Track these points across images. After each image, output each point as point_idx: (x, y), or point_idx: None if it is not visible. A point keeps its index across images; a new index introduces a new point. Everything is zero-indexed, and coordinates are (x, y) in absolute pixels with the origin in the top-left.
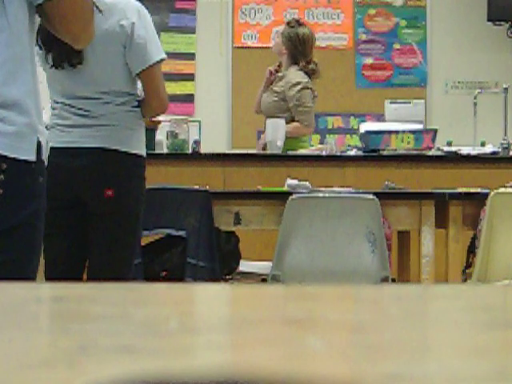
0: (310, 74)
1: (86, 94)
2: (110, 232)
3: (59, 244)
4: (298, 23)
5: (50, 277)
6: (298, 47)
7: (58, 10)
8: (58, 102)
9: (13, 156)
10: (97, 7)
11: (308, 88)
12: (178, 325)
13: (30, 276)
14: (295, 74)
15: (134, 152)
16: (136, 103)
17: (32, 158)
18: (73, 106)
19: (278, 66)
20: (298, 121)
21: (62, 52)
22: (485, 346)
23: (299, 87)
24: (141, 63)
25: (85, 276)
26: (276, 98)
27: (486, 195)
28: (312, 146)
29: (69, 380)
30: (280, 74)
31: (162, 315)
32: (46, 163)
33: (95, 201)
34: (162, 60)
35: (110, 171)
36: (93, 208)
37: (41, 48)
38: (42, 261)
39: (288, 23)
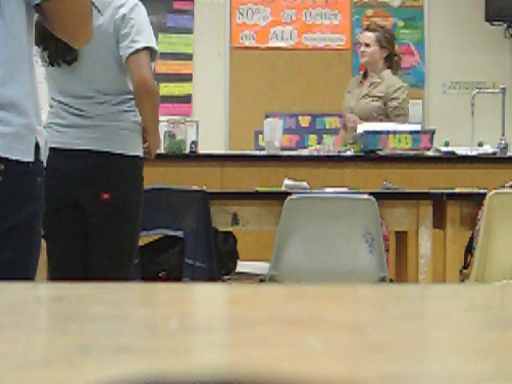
0: (396, 68)
1: (82, 93)
2: (108, 234)
3: (62, 246)
4: (376, 24)
5: (54, 279)
6: (394, 46)
7: (56, 9)
8: (55, 100)
9: (10, 157)
10: (95, 7)
11: (407, 93)
12: (177, 325)
13: (28, 276)
14: (394, 78)
15: (130, 154)
16: (132, 103)
17: (30, 158)
18: (69, 105)
19: (365, 73)
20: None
21: (57, 49)
22: (485, 346)
23: (406, 91)
24: (129, 47)
25: None
26: (378, 103)
27: (483, 195)
28: (310, 146)
29: (69, 380)
30: (376, 80)
31: (161, 315)
32: (44, 164)
33: (92, 204)
34: (150, 49)
35: (105, 174)
36: (90, 211)
37: (38, 45)
38: (44, 263)
39: (372, 29)
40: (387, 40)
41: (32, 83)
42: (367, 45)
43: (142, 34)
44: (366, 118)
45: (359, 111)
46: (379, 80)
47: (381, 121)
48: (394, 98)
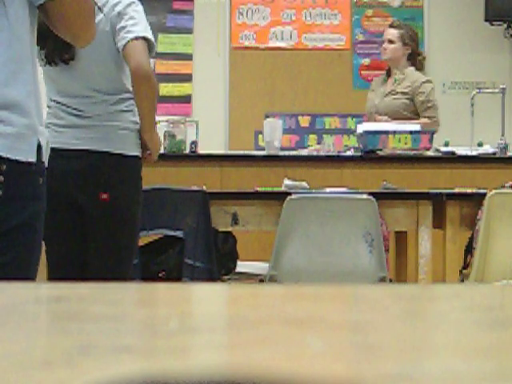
0: (419, 68)
1: (79, 92)
2: (107, 234)
3: (60, 246)
4: (398, 22)
5: (53, 279)
6: (417, 44)
7: (59, 9)
8: (53, 101)
9: (12, 157)
10: (98, 7)
11: (433, 87)
12: (177, 325)
13: (30, 277)
14: (417, 74)
15: (128, 154)
16: (131, 102)
17: (32, 159)
18: (67, 105)
19: (388, 71)
20: (426, 117)
21: (55, 48)
22: (485, 345)
23: (431, 85)
24: (124, 37)
25: None
26: (405, 100)
27: (483, 195)
28: (309, 146)
29: (69, 380)
30: (400, 76)
31: (161, 315)
32: (46, 164)
33: (90, 204)
34: (147, 40)
35: (104, 174)
36: (89, 211)
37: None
38: (43, 263)
39: (396, 26)
40: (410, 37)
41: (34, 84)
42: (391, 41)
43: (138, 25)
44: (392, 116)
45: (384, 109)
46: (403, 76)
47: (407, 117)
48: (420, 93)
